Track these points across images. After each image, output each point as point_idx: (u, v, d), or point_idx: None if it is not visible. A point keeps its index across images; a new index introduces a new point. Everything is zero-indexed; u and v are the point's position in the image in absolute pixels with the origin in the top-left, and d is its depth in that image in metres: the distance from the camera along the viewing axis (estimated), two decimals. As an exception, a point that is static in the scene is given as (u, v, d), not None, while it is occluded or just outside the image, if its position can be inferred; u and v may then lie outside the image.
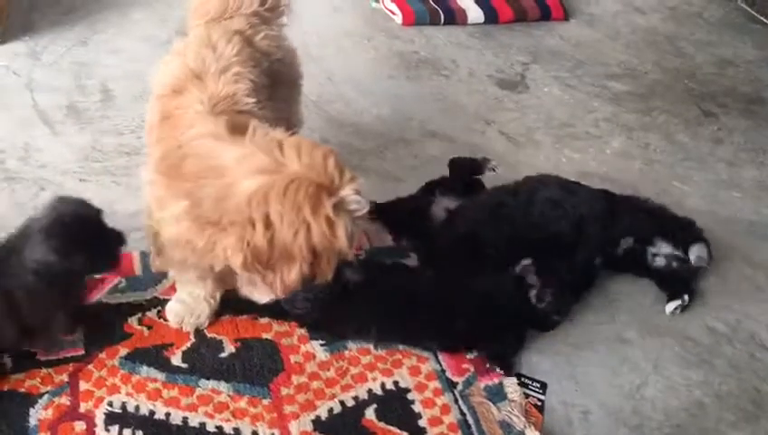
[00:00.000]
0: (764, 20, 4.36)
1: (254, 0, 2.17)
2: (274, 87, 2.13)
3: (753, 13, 4.42)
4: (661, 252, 2.47)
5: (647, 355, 2.27)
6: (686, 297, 2.39)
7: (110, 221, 2.36)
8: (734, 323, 2.43)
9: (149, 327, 2.08)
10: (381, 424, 1.95)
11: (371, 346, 2.12)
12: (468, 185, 2.54)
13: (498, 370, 2.11)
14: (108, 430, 1.82)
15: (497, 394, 2.06)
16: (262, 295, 1.79)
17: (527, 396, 2.08)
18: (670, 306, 2.39)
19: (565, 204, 2.37)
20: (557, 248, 2.30)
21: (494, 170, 2.54)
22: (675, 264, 2.45)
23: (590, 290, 2.42)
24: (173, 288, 2.15)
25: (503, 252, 2.26)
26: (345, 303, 2.07)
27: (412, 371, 2.09)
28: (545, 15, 4.00)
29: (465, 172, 2.56)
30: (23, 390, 1.86)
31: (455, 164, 2.59)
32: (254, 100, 1.91)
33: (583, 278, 2.41)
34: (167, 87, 1.94)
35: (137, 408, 1.87)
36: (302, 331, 2.13)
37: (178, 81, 1.92)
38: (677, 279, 2.45)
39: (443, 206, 2.45)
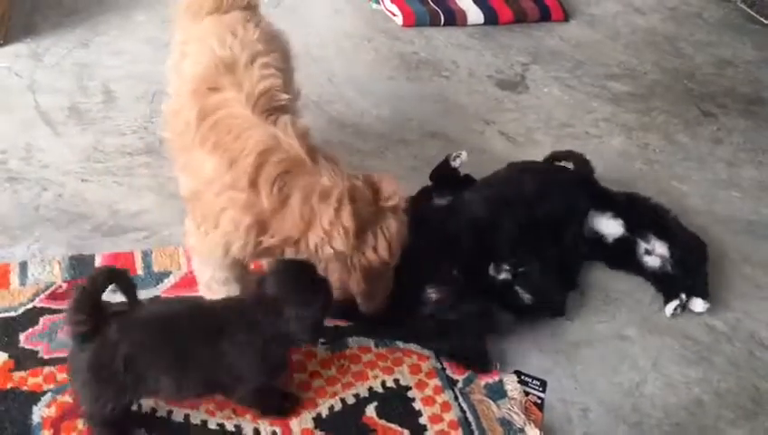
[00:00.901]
0: (763, 20, 4.38)
1: None
2: (288, 71, 2.17)
3: (752, 13, 4.44)
4: (656, 251, 2.48)
5: (646, 353, 2.29)
6: (683, 296, 2.40)
7: (112, 221, 2.40)
8: (733, 321, 2.44)
9: (151, 326, 2.08)
10: (382, 422, 1.95)
11: (372, 344, 2.13)
12: (459, 182, 2.58)
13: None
14: (110, 428, 1.83)
15: (497, 392, 2.07)
16: None
17: (527, 394, 2.09)
18: (670, 307, 2.40)
19: (553, 183, 2.45)
20: (551, 227, 2.37)
21: (459, 158, 2.57)
22: (670, 267, 2.46)
23: (579, 273, 2.47)
24: (174, 287, 2.18)
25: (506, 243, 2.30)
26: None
27: (413, 369, 2.10)
28: (545, 16, 4.01)
29: (447, 176, 2.59)
30: (26, 388, 1.87)
31: (434, 176, 2.62)
32: (287, 95, 1.97)
33: (575, 257, 2.46)
34: (197, 80, 1.97)
35: (139, 406, 1.87)
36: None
37: (209, 73, 1.95)
38: (673, 281, 2.45)
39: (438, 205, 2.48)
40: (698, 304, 2.40)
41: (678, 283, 2.43)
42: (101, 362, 1.65)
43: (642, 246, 2.48)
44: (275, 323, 1.76)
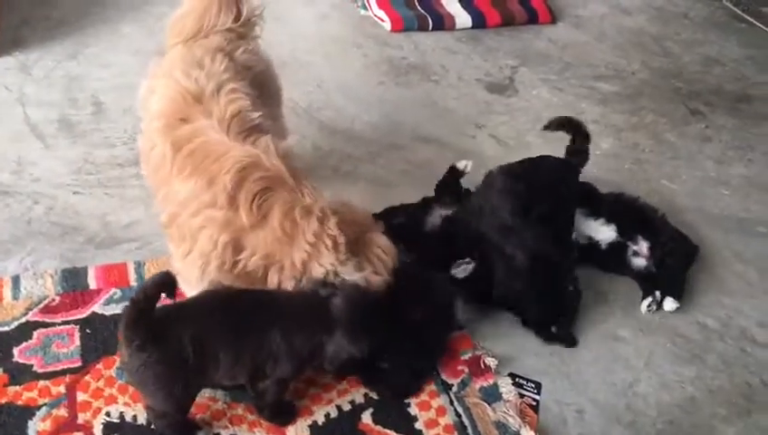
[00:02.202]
0: (749, 18, 4.41)
1: (229, 17, 2.20)
2: (262, 97, 2.16)
3: (737, 11, 4.47)
4: (642, 252, 2.49)
5: (639, 353, 2.30)
6: (657, 294, 2.41)
7: (104, 233, 2.40)
8: (724, 318, 2.46)
9: (145, 337, 2.08)
10: (378, 428, 1.96)
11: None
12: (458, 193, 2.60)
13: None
14: (106, 440, 1.83)
15: (492, 395, 2.08)
16: None
17: (522, 396, 2.10)
18: (644, 304, 2.42)
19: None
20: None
21: (466, 162, 2.60)
22: (653, 267, 2.47)
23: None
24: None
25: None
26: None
27: (407, 374, 2.11)
28: (532, 19, 4.03)
29: (450, 186, 2.61)
30: (20, 402, 1.87)
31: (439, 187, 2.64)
32: (258, 114, 1.97)
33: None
34: (166, 114, 1.96)
35: (134, 417, 1.88)
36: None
37: (177, 105, 1.95)
38: (652, 279, 2.47)
39: (438, 214, 2.48)
40: (668, 303, 2.41)
41: (656, 281, 2.45)
42: (172, 353, 1.68)
43: (631, 248, 2.50)
44: (320, 335, 1.79)
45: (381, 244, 1.93)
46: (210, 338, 1.72)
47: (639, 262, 2.49)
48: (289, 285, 1.86)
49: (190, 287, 1.98)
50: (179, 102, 1.95)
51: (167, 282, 1.70)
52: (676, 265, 2.48)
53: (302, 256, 1.81)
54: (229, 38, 2.18)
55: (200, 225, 1.83)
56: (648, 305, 2.41)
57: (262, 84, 2.21)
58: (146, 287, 1.68)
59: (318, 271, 1.83)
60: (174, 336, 1.68)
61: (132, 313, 1.65)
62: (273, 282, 1.86)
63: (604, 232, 2.51)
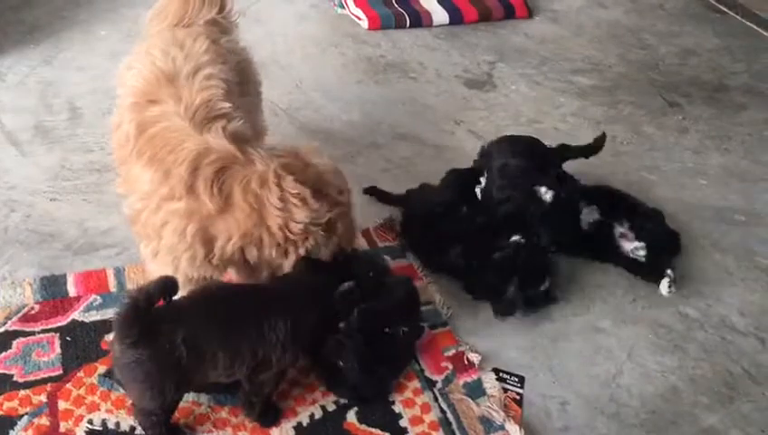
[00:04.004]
0: (724, 9, 4.44)
1: (213, 7, 2.20)
2: (243, 85, 2.15)
3: (712, 2, 4.50)
4: (630, 235, 2.52)
5: (621, 344, 2.31)
6: (669, 272, 2.43)
7: (82, 239, 2.38)
8: (704, 307, 2.48)
9: (127, 343, 2.07)
10: (363, 427, 1.96)
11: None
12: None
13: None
14: (89, 448, 1.82)
15: (476, 390, 2.09)
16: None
17: (506, 390, 2.11)
18: (664, 285, 2.43)
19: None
20: None
21: None
22: (644, 251, 2.49)
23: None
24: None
25: None
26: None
27: (391, 372, 2.11)
28: (509, 14, 4.05)
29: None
30: (1, 412, 1.86)
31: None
32: (228, 104, 1.95)
33: None
34: (138, 93, 1.95)
35: (117, 424, 1.87)
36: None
37: (150, 86, 1.94)
38: (652, 262, 2.48)
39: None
40: (664, 286, 2.45)
41: (658, 263, 2.47)
42: (163, 352, 1.67)
43: (618, 229, 2.52)
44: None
45: (335, 178, 1.95)
46: (205, 338, 1.71)
47: (629, 246, 2.51)
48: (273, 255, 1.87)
49: None
50: (152, 82, 1.94)
51: (170, 287, 1.70)
52: (668, 249, 2.52)
53: (276, 221, 1.80)
54: (212, 29, 2.18)
55: (162, 220, 1.82)
56: (669, 285, 2.42)
57: (243, 71, 2.20)
58: (148, 288, 1.67)
59: (297, 228, 1.82)
60: (166, 336, 1.67)
61: (130, 311, 1.64)
62: (252, 256, 1.85)
63: (585, 212, 2.52)
